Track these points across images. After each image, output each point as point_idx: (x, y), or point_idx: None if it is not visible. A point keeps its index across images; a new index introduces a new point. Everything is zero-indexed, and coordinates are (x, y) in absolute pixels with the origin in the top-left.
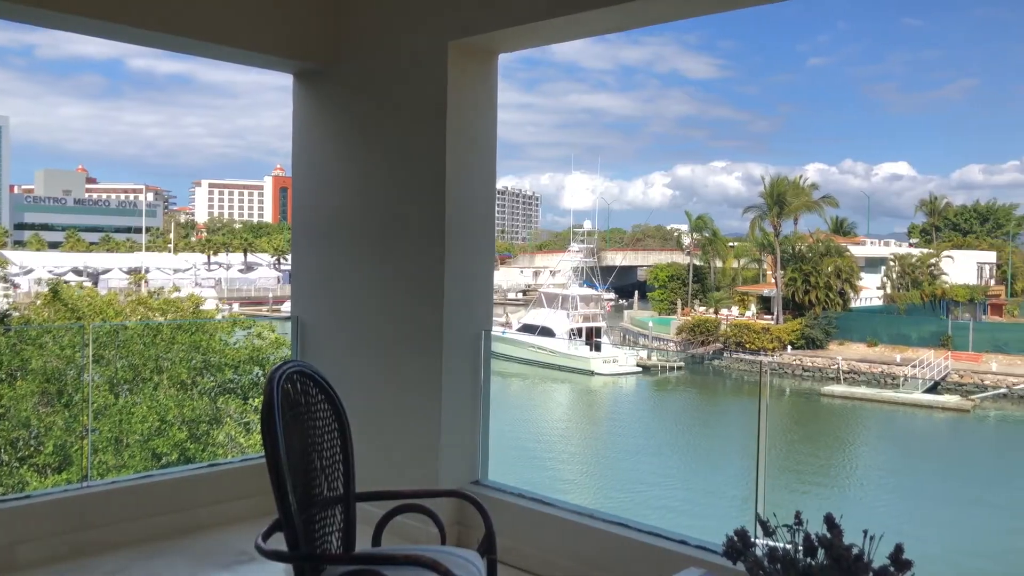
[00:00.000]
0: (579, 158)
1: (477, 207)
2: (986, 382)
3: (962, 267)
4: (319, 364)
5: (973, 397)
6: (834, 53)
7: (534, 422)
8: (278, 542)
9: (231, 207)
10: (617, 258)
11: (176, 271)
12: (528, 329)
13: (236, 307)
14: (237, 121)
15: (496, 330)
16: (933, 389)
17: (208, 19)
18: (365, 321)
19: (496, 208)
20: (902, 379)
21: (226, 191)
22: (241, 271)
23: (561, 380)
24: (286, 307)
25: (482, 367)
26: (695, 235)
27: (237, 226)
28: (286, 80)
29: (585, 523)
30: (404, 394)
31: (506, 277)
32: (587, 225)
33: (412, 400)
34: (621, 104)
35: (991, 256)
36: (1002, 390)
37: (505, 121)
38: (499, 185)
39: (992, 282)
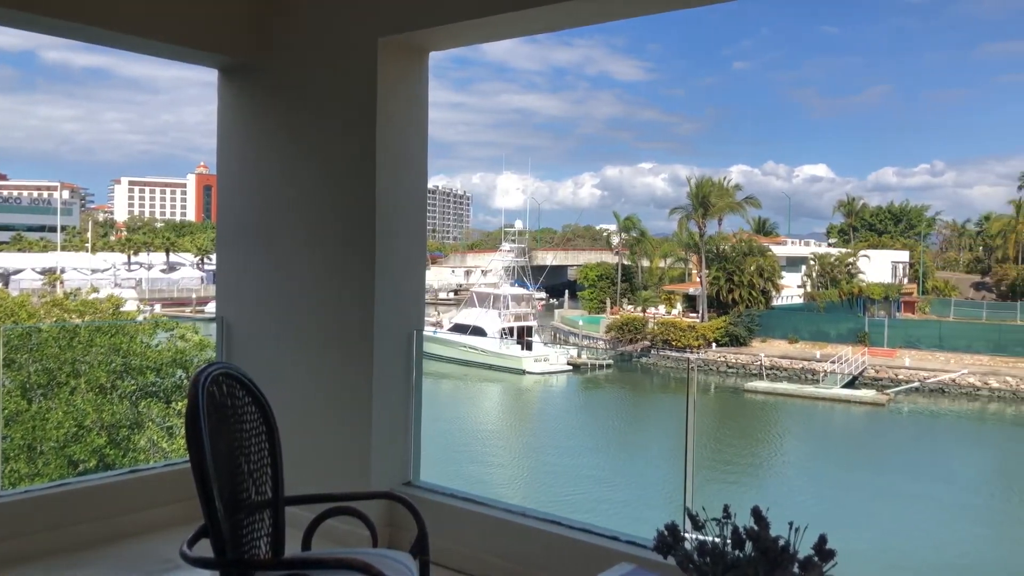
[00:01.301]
0: (510, 158)
1: (408, 206)
2: (900, 377)
3: (877, 266)
4: (245, 366)
5: (888, 391)
6: (757, 58)
7: (466, 422)
8: (204, 549)
9: (152, 205)
10: (548, 258)
11: (94, 271)
12: (460, 329)
13: (158, 308)
14: (159, 117)
15: (427, 330)
16: (851, 384)
17: (127, 10)
18: (294, 322)
19: (427, 207)
20: (822, 375)
21: (147, 189)
22: (163, 271)
23: (493, 379)
24: (210, 308)
25: (414, 367)
26: (624, 235)
27: (159, 225)
28: (211, 75)
29: (517, 521)
30: (334, 395)
31: (437, 277)
32: (518, 225)
33: (342, 401)
34: (551, 105)
35: (904, 255)
36: (915, 384)
37: (436, 120)
38: (430, 184)
39: (905, 280)
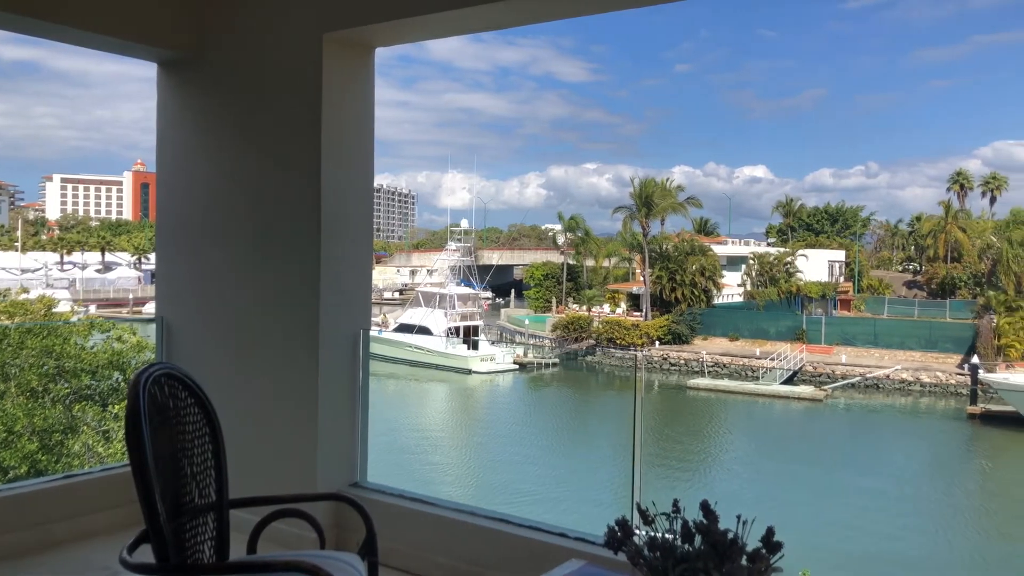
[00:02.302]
0: (456, 157)
1: (354, 204)
2: (837, 373)
3: (815, 265)
4: (187, 367)
5: (825, 387)
6: (698, 60)
7: (413, 422)
8: (145, 554)
9: (87, 203)
10: (494, 257)
11: (24, 271)
12: (405, 328)
13: (93, 309)
14: (93, 112)
15: (372, 330)
16: (790, 380)
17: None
18: (237, 322)
19: (373, 210)
20: (762, 371)
21: (81, 186)
22: (98, 271)
23: (439, 379)
24: (149, 308)
25: (360, 367)
26: (569, 235)
27: (93, 224)
28: (149, 70)
29: (465, 520)
30: (280, 396)
31: (382, 276)
32: (464, 224)
33: (288, 402)
34: (497, 105)
35: (840, 255)
36: (855, 379)
37: (381, 118)
38: (375, 183)
39: (841, 279)
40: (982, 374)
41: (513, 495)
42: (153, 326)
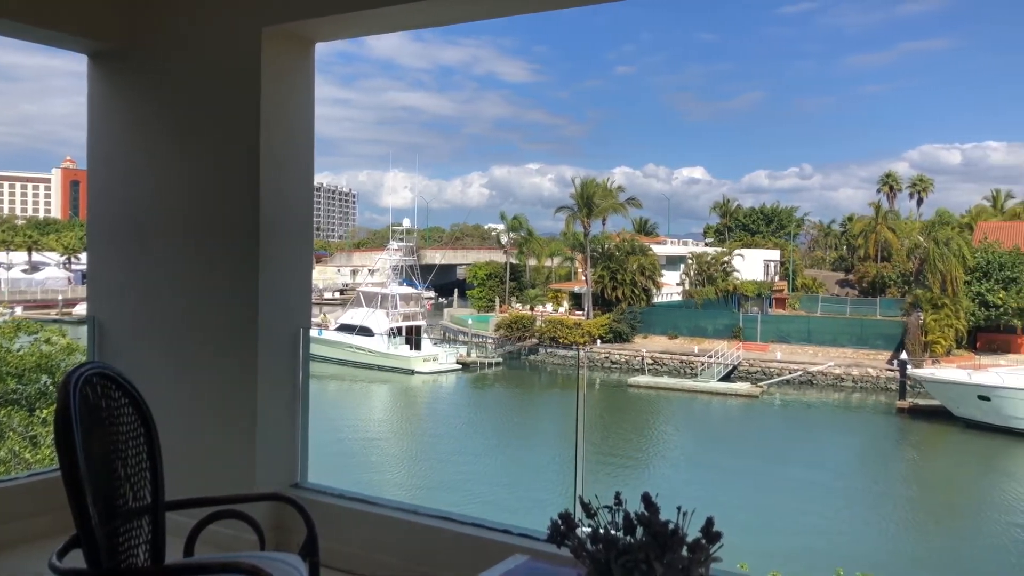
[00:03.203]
0: (397, 156)
1: (293, 202)
2: (772, 369)
3: (751, 264)
4: (122, 368)
5: (761, 384)
6: (638, 62)
7: (354, 423)
8: (77, 560)
9: (12, 201)
10: (436, 257)
11: None
12: (346, 329)
13: (19, 310)
14: (19, 107)
15: (312, 331)
16: (727, 377)
17: None
18: (173, 321)
19: (313, 207)
20: (700, 369)
21: (6, 184)
22: (25, 271)
23: (381, 380)
24: (79, 309)
25: (300, 366)
26: (511, 234)
27: (20, 222)
28: (79, 63)
29: (408, 519)
30: (218, 396)
31: (323, 276)
32: (406, 223)
33: (226, 402)
34: (439, 104)
35: (775, 254)
36: (795, 375)
37: (321, 116)
38: (315, 181)
39: (776, 278)
40: (910, 370)
41: (457, 494)
42: (84, 328)
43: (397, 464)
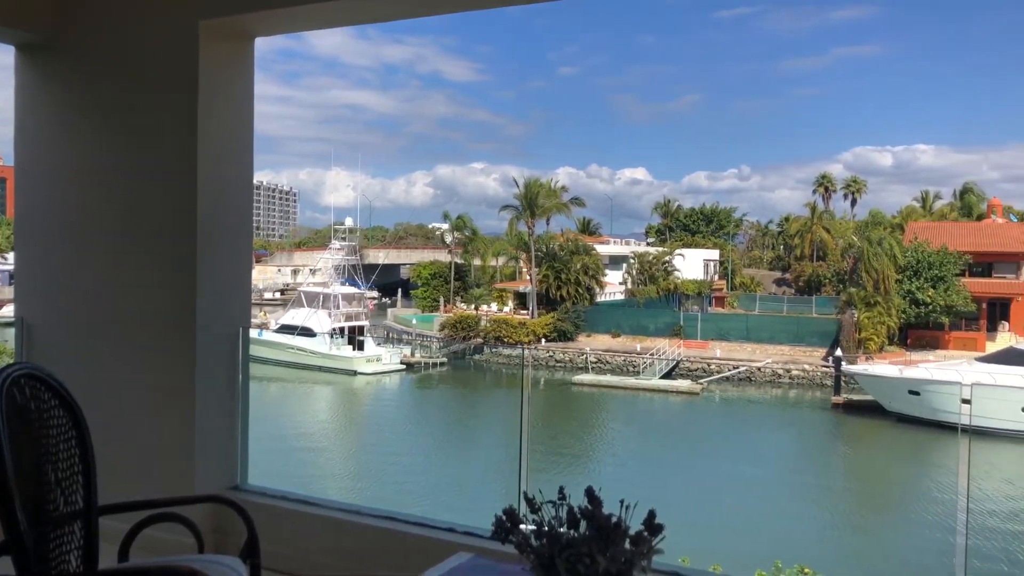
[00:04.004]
0: (340, 154)
1: (232, 199)
2: (712, 367)
3: (691, 264)
4: (52, 369)
5: (702, 381)
6: (581, 63)
7: (296, 426)
8: (6, 567)
9: None
10: (380, 256)
11: None
12: (287, 330)
13: None
14: None
15: (252, 332)
16: (669, 375)
17: None
18: (107, 321)
19: (252, 206)
20: (642, 366)
21: None
22: None
23: (323, 381)
24: (7, 311)
25: (240, 366)
26: (456, 234)
27: None
28: (6, 54)
29: (351, 519)
30: (154, 397)
31: (263, 276)
32: (348, 222)
33: (164, 403)
34: (382, 102)
35: (715, 254)
36: (735, 372)
37: (261, 113)
38: (255, 179)
39: (716, 277)
40: (845, 366)
41: (402, 495)
42: (12, 330)
43: (340, 466)
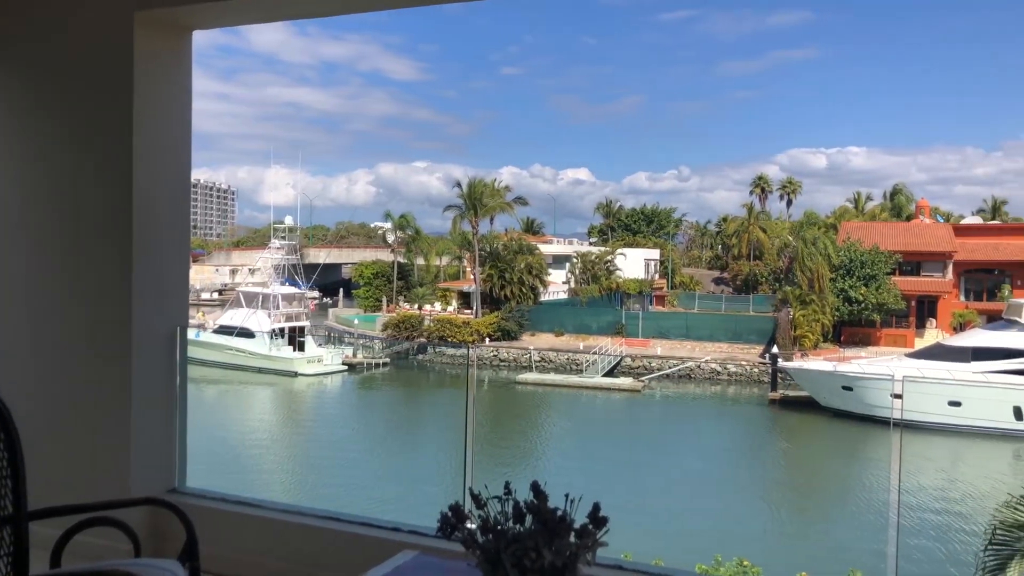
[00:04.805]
0: (279, 152)
1: (169, 197)
2: (653, 365)
3: (633, 263)
4: None
5: (643, 378)
6: (524, 64)
7: (235, 429)
8: None
9: None
10: (321, 256)
11: None
12: (225, 331)
13: None
14: None
15: (190, 333)
16: (611, 373)
17: None
18: (38, 321)
19: (190, 203)
20: (585, 365)
21: None
22: None
23: (263, 383)
24: None
25: (177, 366)
26: (399, 233)
27: None
28: None
29: (293, 520)
30: (88, 398)
31: (200, 276)
32: (288, 221)
33: (98, 404)
34: (323, 100)
35: (655, 253)
36: (675, 369)
37: (199, 110)
38: (192, 177)
39: (656, 276)
40: (781, 363)
41: (345, 497)
42: None
43: (281, 469)
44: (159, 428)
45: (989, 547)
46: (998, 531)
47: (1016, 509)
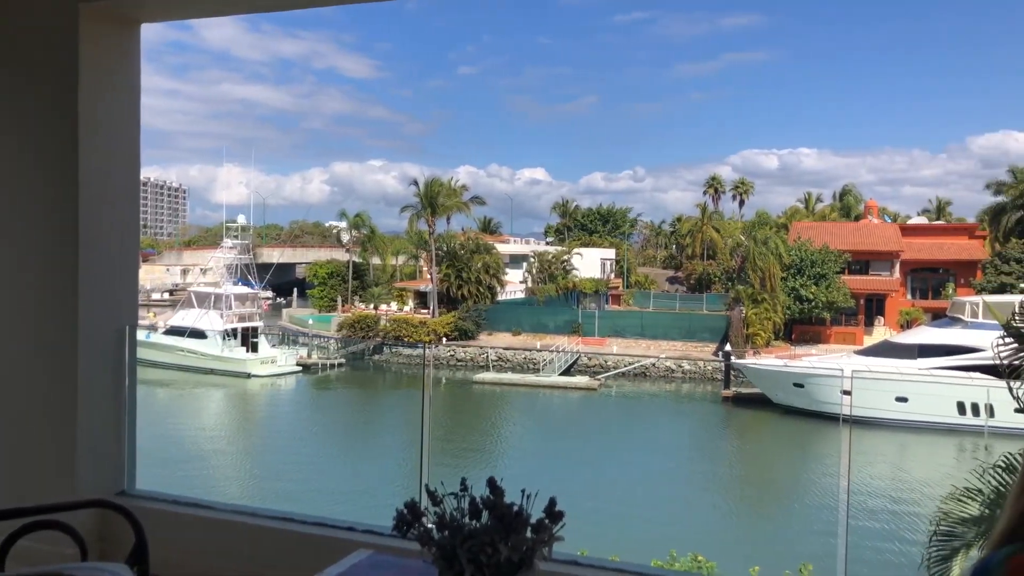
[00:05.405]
0: (232, 150)
1: (118, 194)
2: (609, 363)
3: (589, 263)
4: None
5: (599, 377)
6: (480, 63)
7: (187, 431)
8: None
9: None
10: (274, 255)
11: None
12: (176, 332)
13: None
14: None
15: (140, 334)
16: (567, 371)
17: None
18: None
19: (140, 201)
20: (542, 364)
21: None
22: None
23: (215, 384)
24: None
25: (126, 366)
26: (354, 232)
27: None
28: None
29: (246, 522)
30: (33, 398)
31: (150, 276)
32: (241, 220)
33: (43, 404)
34: (277, 97)
35: (611, 253)
36: (630, 367)
37: (149, 107)
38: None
39: (612, 276)
40: (734, 360)
41: (300, 499)
42: None
43: (236, 471)
44: (107, 429)
45: (935, 539)
46: (943, 523)
47: (960, 501)
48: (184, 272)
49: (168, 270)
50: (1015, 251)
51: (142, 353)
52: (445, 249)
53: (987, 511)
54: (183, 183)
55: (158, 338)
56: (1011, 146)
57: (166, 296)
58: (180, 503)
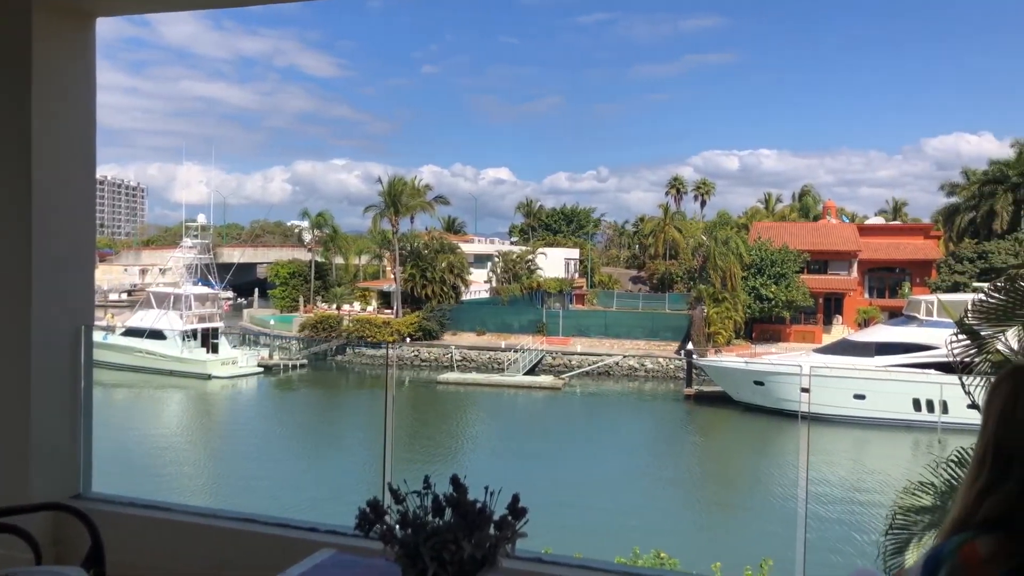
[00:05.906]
0: (192, 148)
1: (72, 191)
2: (573, 362)
3: (553, 262)
4: None
5: (563, 376)
6: (443, 62)
7: (145, 434)
8: None
9: None
10: (235, 255)
11: None
12: (135, 332)
13: None
14: None
15: (97, 335)
16: (532, 371)
17: None
18: None
19: (96, 197)
20: (506, 364)
21: None
22: None
23: (175, 386)
24: None
25: (82, 367)
26: (316, 232)
27: None
28: None
29: (207, 523)
30: None
31: (107, 276)
32: (201, 219)
33: None
34: (239, 95)
35: (575, 253)
36: (594, 367)
37: (106, 104)
38: (99, 174)
39: (576, 275)
40: (695, 359)
41: (263, 499)
42: None
43: (196, 473)
44: (62, 431)
45: (890, 531)
46: (898, 515)
47: (914, 495)
48: (143, 272)
49: (126, 270)
50: (968, 251)
51: (99, 355)
52: (409, 249)
53: (939, 503)
54: (141, 182)
55: (116, 339)
56: (964, 148)
57: (124, 296)
58: (137, 505)
